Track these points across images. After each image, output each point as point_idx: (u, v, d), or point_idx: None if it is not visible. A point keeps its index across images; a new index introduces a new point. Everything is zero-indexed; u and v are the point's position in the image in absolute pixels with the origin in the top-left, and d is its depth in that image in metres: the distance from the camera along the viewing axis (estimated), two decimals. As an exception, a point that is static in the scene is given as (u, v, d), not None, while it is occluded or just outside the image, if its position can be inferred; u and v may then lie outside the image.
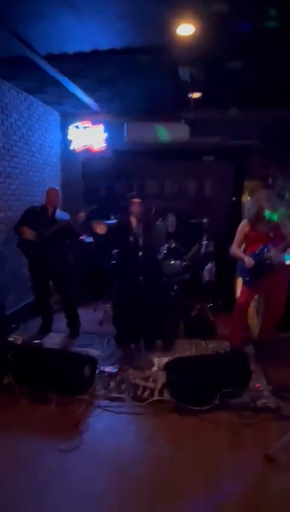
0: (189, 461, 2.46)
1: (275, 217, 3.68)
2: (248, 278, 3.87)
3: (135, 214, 4.09)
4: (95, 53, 3.84)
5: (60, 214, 4.52)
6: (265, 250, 3.67)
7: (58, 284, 4.60)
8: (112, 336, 4.40)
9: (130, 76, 4.51)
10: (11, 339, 4.16)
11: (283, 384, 3.30)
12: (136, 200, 4.10)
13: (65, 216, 4.47)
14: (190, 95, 4.99)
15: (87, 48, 3.77)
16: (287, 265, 3.89)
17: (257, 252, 3.74)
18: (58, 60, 4.00)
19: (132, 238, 3.96)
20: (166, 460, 2.48)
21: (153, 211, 4.82)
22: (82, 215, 4.27)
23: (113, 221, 4.74)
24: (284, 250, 3.67)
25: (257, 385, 3.33)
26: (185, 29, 3.31)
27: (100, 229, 4.03)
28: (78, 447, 2.56)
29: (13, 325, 4.75)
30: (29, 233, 4.24)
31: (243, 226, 3.93)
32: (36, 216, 4.40)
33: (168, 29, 3.31)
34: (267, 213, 3.69)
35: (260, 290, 4.01)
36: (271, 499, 2.15)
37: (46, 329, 4.67)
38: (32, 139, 5.46)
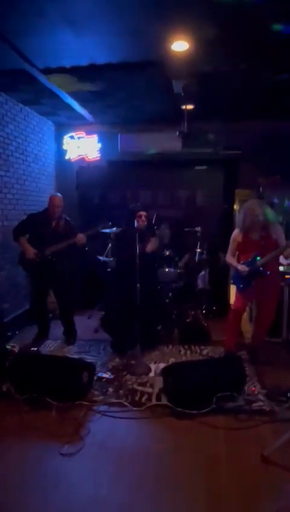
0: (189, 463, 2.53)
1: (273, 218, 3.82)
2: (241, 285, 3.99)
3: (139, 225, 4.21)
4: (92, 67, 3.96)
5: (64, 223, 4.47)
6: (257, 258, 3.80)
7: (57, 293, 4.64)
8: (108, 342, 4.46)
9: (125, 89, 4.63)
10: (8, 347, 4.18)
11: (276, 388, 3.38)
12: (143, 213, 4.28)
13: (69, 225, 4.48)
14: (183, 107, 5.13)
15: (84, 62, 3.88)
16: (278, 272, 4.02)
17: (249, 260, 3.86)
18: (55, 73, 4.11)
19: (136, 248, 4.01)
20: (167, 462, 2.54)
21: (154, 220, 4.92)
22: (84, 238, 4.31)
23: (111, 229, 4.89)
24: (272, 258, 3.79)
25: (252, 389, 3.41)
26: (180, 45, 3.44)
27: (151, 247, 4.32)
28: (80, 450, 2.61)
29: (9, 333, 4.78)
30: (29, 252, 4.25)
31: (236, 235, 4.04)
32: (38, 225, 4.34)
33: (163, 45, 3.44)
34: (268, 215, 3.81)
35: (253, 296, 4.12)
36: (267, 496, 2.23)
37: (42, 336, 4.69)
38: (28, 149, 5.55)
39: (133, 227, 4.14)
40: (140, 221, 4.26)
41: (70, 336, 4.66)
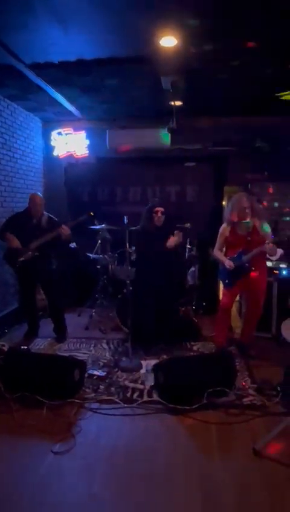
0: (181, 457, 2.55)
1: (249, 223, 3.87)
2: (227, 281, 4.03)
3: (155, 221, 4.23)
4: (80, 62, 3.92)
5: (47, 219, 4.47)
6: (242, 255, 3.84)
7: (45, 289, 4.62)
8: (117, 338, 4.60)
9: (114, 85, 4.60)
10: (-3, 346, 4.15)
11: (267, 382, 3.42)
12: (159, 209, 4.24)
13: (52, 220, 4.48)
14: (172, 103, 5.12)
15: (72, 58, 3.84)
16: (264, 267, 4.06)
17: (235, 255, 3.90)
18: (42, 68, 4.06)
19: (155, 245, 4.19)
20: (159, 457, 2.55)
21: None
22: (66, 229, 4.28)
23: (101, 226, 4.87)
24: (257, 254, 3.83)
25: (243, 384, 3.45)
26: (168, 41, 3.43)
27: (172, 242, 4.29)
28: (72, 448, 2.61)
29: (-2, 332, 4.74)
30: (15, 243, 4.23)
31: (223, 229, 4.07)
32: (21, 224, 4.36)
33: (152, 41, 3.42)
34: (264, 227, 3.87)
35: (240, 291, 4.16)
36: (258, 488, 2.26)
37: (32, 334, 4.67)
38: (15, 146, 5.48)
39: (151, 223, 4.22)
40: (156, 218, 4.23)
41: (60, 334, 4.64)
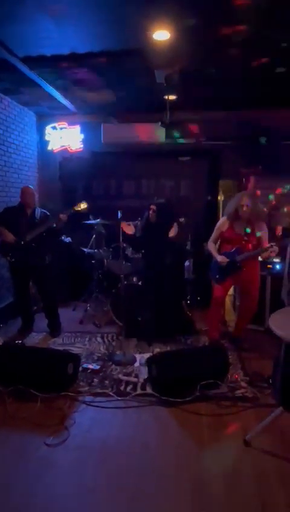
0: (173, 449, 2.58)
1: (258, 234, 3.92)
2: (217, 276, 4.05)
3: (152, 218, 4.62)
4: (73, 56, 3.91)
5: (40, 213, 4.51)
6: (236, 253, 3.86)
7: (38, 283, 4.63)
8: (111, 332, 4.66)
9: (107, 79, 4.58)
10: (-9, 340, 4.17)
11: (258, 375, 3.47)
12: (153, 206, 4.61)
13: (45, 214, 4.50)
14: (166, 97, 5.11)
15: (65, 51, 3.83)
16: (256, 263, 4.08)
17: (230, 252, 3.92)
18: (35, 61, 4.04)
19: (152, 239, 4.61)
20: (151, 449, 2.58)
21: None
22: (64, 217, 4.34)
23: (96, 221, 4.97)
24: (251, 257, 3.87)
25: (235, 376, 3.48)
26: (161, 34, 3.42)
27: (128, 229, 4.74)
28: (65, 440, 2.63)
29: (-7, 326, 4.75)
30: (9, 236, 4.24)
31: (221, 223, 4.08)
32: (15, 217, 4.36)
33: (145, 34, 3.41)
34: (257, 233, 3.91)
35: (231, 285, 4.21)
36: (248, 478, 2.29)
37: (26, 329, 4.68)
38: (9, 140, 5.45)
39: (147, 219, 4.63)
40: (150, 214, 4.59)
41: (54, 328, 4.65)
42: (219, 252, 4.06)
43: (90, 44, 3.69)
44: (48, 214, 4.55)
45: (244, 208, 3.83)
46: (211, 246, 4.11)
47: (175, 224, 4.73)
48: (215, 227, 4.13)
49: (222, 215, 4.34)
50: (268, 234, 3.99)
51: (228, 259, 3.88)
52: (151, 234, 4.63)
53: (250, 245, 3.89)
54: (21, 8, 3.00)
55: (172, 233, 4.67)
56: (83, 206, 4.57)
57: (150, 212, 4.58)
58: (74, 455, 2.51)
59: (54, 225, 4.37)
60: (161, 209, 4.59)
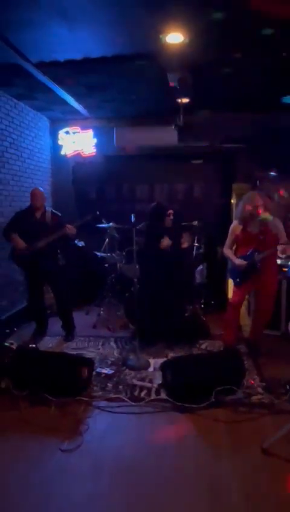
0: (189, 457, 2.53)
1: (269, 218, 3.78)
2: (238, 279, 3.98)
3: (168, 223, 4.49)
4: (86, 60, 3.92)
5: (50, 215, 4.47)
6: (255, 253, 3.79)
7: (53, 288, 4.63)
8: (125, 336, 4.63)
9: (120, 83, 4.59)
10: (6, 344, 4.17)
11: (275, 380, 3.40)
12: (171, 211, 4.51)
13: (56, 216, 4.48)
14: (179, 100, 5.09)
15: (78, 56, 3.84)
16: (275, 265, 4.01)
17: (247, 254, 3.85)
18: (49, 67, 4.07)
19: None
20: (167, 456, 2.54)
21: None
22: (71, 229, 4.28)
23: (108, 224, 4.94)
24: (270, 255, 3.78)
25: (251, 382, 3.42)
26: (174, 37, 3.41)
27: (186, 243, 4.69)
28: (80, 446, 2.61)
29: (7, 330, 4.76)
30: (20, 244, 4.25)
31: (234, 226, 4.02)
32: (24, 220, 4.37)
33: (158, 37, 3.40)
34: (262, 216, 3.78)
35: (250, 289, 4.12)
36: (267, 487, 2.24)
37: (40, 333, 4.68)
38: (23, 145, 5.50)
39: (162, 224, 4.42)
40: (167, 220, 4.45)
41: (68, 333, 4.64)
42: (236, 255, 4.00)
43: (103, 48, 3.70)
44: (59, 215, 4.53)
45: (259, 209, 3.76)
46: (228, 252, 4.05)
47: (187, 233, 4.70)
48: (229, 232, 4.07)
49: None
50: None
51: (246, 262, 3.81)
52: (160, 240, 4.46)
53: (267, 243, 3.80)
54: (34, 12, 3.01)
55: (185, 244, 4.61)
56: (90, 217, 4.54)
57: (170, 217, 4.48)
58: (88, 462, 2.48)
59: (68, 235, 4.33)
60: (176, 215, 4.57)
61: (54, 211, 4.57)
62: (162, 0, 2.82)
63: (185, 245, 4.59)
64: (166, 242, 4.34)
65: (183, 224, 5.09)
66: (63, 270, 4.53)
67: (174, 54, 3.70)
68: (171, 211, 4.50)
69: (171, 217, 4.49)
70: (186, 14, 3.03)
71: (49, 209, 4.54)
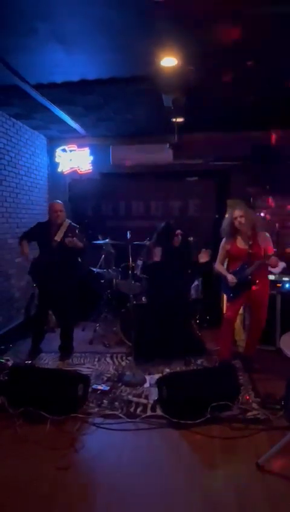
0: (184, 473, 2.54)
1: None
2: (231, 295, 4.03)
3: (177, 243, 4.72)
4: (83, 82, 4.04)
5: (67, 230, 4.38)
6: (245, 267, 3.85)
7: (60, 307, 4.59)
8: (121, 352, 4.67)
9: (116, 103, 4.71)
10: (1, 360, 4.17)
11: (270, 396, 3.41)
12: (179, 232, 4.72)
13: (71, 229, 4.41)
14: (173, 120, 5.22)
15: (75, 78, 3.96)
16: (266, 279, 4.07)
17: (237, 269, 3.92)
18: (46, 88, 4.18)
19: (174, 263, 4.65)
20: (162, 473, 2.54)
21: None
22: (70, 242, 4.26)
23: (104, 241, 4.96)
24: (259, 267, 3.85)
25: (246, 397, 3.43)
26: (168, 61, 3.52)
27: (205, 258, 4.73)
28: (75, 464, 2.61)
29: (2, 347, 4.75)
30: (24, 250, 4.34)
31: (224, 243, 4.11)
32: (42, 231, 4.43)
33: (152, 61, 3.51)
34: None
35: (244, 303, 4.18)
36: (261, 504, 2.24)
37: (36, 350, 4.65)
38: (20, 163, 5.59)
39: (170, 243, 4.66)
40: (176, 239, 4.68)
41: (66, 351, 4.58)
42: (228, 270, 4.06)
43: (100, 71, 3.81)
44: (77, 226, 4.46)
45: (239, 220, 3.84)
46: (219, 267, 4.11)
47: (208, 250, 4.79)
48: (220, 248, 4.14)
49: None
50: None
51: (236, 278, 3.87)
52: (174, 258, 4.68)
53: (256, 256, 3.87)
54: (32, 36, 3.11)
55: (204, 258, 4.72)
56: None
57: (179, 237, 4.70)
58: (84, 479, 2.48)
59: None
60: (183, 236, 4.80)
61: (72, 223, 4.50)
62: (157, 27, 2.93)
63: (203, 260, 4.70)
64: (205, 255, 4.61)
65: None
66: (70, 290, 4.54)
67: (168, 77, 3.81)
68: (179, 231, 4.71)
69: (180, 237, 4.69)
70: (179, 40, 3.14)
71: (68, 221, 4.49)
